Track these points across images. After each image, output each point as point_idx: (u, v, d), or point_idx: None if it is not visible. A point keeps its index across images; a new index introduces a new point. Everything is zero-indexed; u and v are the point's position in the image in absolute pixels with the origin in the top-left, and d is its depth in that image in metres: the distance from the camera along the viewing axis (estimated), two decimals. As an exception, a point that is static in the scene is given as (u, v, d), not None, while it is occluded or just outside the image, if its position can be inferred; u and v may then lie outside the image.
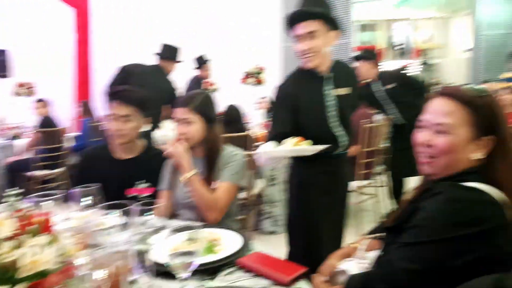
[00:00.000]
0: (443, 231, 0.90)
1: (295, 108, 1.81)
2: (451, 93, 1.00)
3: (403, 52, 9.33)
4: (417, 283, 0.92)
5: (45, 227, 0.78)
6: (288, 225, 1.99)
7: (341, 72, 1.89)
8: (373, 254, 1.23)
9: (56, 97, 5.03)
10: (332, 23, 1.77)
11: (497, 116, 0.98)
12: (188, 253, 0.94)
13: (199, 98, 1.67)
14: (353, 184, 3.23)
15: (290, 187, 1.97)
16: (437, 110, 1.00)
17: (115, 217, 1.04)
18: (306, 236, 1.86)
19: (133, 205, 1.04)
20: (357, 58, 3.70)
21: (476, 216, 0.89)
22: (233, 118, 3.27)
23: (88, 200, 1.14)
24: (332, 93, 1.83)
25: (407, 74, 3.85)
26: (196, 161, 1.67)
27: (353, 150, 2.76)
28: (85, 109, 4.95)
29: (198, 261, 0.96)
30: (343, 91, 1.86)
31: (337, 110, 1.83)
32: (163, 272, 1.04)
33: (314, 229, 1.85)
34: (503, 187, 0.93)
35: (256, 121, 4.59)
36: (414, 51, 7.70)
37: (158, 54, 3.56)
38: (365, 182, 3.47)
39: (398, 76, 3.60)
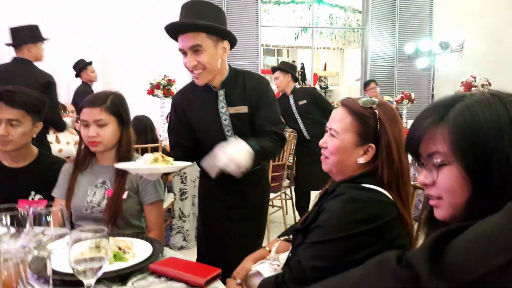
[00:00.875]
0: (344, 229, 0.97)
1: (187, 123, 1.67)
2: (345, 103, 1.12)
3: (304, 77, 10.05)
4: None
5: None
6: (196, 237, 1.93)
7: (238, 87, 1.63)
8: (284, 256, 1.29)
9: None
10: (220, 33, 1.52)
11: (380, 126, 1.06)
12: (95, 259, 0.86)
13: (112, 98, 1.52)
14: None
15: (198, 199, 1.90)
16: (333, 117, 1.13)
17: (3, 226, 0.91)
18: (211, 249, 1.77)
19: (26, 213, 0.93)
20: (274, 69, 3.82)
21: (372, 213, 0.98)
22: (142, 129, 3.14)
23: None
24: (228, 110, 1.62)
25: (319, 93, 4.12)
26: (101, 169, 1.54)
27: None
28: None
29: (106, 267, 0.88)
30: (236, 110, 1.61)
31: (231, 130, 1.63)
32: (66, 281, 0.95)
33: (217, 241, 1.75)
34: (391, 188, 1.04)
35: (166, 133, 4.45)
36: (313, 77, 8.52)
37: (11, 44, 2.94)
38: (273, 195, 3.60)
39: (310, 94, 3.84)
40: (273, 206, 4.15)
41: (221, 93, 1.63)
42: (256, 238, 1.81)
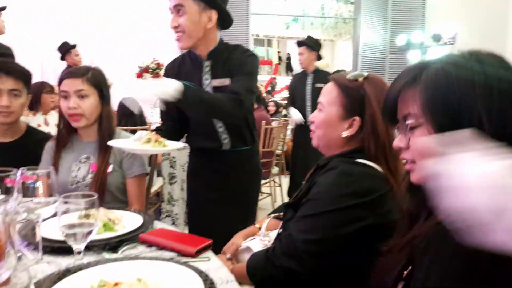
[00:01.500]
0: (336, 201, 0.97)
1: None
2: (334, 77, 1.13)
3: (290, 68, 10.00)
4: (316, 253, 0.97)
5: None
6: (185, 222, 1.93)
7: (224, 59, 1.60)
8: (275, 233, 1.27)
9: None
10: (208, 1, 1.50)
11: (365, 99, 1.05)
12: (84, 224, 0.85)
13: (92, 71, 1.51)
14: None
15: (186, 177, 1.88)
16: (322, 91, 1.14)
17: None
18: (196, 232, 1.75)
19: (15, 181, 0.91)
20: (300, 44, 3.62)
21: (365, 187, 0.98)
22: (129, 112, 3.10)
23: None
24: (211, 83, 1.60)
25: None
26: (84, 145, 1.53)
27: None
28: None
29: (95, 233, 0.88)
30: (219, 82, 1.59)
31: None
32: (56, 248, 0.95)
33: (201, 224, 1.72)
34: (380, 162, 1.04)
35: (156, 116, 4.40)
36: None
37: None
38: (262, 181, 3.61)
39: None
40: (261, 193, 4.16)
41: (207, 64, 1.61)
42: (242, 224, 1.65)
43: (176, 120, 1.69)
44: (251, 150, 1.77)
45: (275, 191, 4.07)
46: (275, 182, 4.15)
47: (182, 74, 1.63)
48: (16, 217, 0.83)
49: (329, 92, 1.11)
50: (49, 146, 1.56)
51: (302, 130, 3.64)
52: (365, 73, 1.09)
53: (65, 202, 0.83)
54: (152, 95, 1.34)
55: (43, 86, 3.25)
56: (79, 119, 1.47)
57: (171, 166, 3.13)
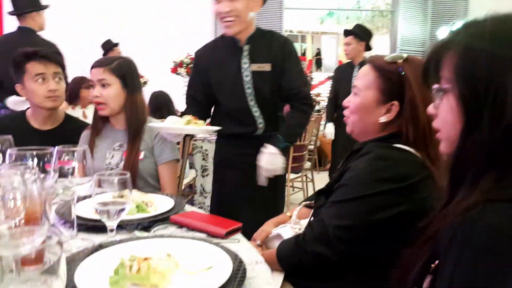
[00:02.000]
0: (370, 186, 0.93)
1: (206, 78, 1.66)
2: (371, 59, 1.07)
3: (320, 64, 9.81)
4: (347, 239, 0.94)
5: None
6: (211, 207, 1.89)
7: (263, 44, 1.63)
8: (306, 221, 1.23)
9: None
10: None
11: (404, 83, 0.99)
12: (117, 203, 0.87)
13: (118, 60, 1.56)
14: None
15: (213, 167, 1.90)
16: (358, 74, 1.09)
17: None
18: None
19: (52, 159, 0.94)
20: (347, 33, 3.38)
21: (400, 172, 0.93)
22: (158, 105, 3.17)
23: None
24: (250, 67, 1.62)
25: None
26: (117, 133, 1.58)
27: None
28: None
29: (127, 213, 0.89)
30: (258, 67, 1.62)
31: (252, 88, 1.63)
32: (90, 226, 0.98)
33: (230, 210, 1.67)
34: (418, 148, 0.99)
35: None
36: (338, 64, 8.36)
37: (14, 12, 2.85)
38: (294, 176, 3.58)
39: None
40: (293, 187, 4.13)
41: (246, 48, 1.63)
42: (271, 211, 1.68)
43: (202, 105, 1.71)
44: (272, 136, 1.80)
45: (307, 186, 4.03)
46: (307, 177, 4.10)
47: (218, 58, 1.66)
48: (53, 193, 0.86)
49: (365, 75, 1.05)
50: (85, 134, 1.62)
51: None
52: (405, 55, 1.04)
53: (99, 180, 0.84)
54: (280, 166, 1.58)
55: (83, 81, 3.37)
56: (103, 108, 1.52)
57: (203, 159, 3.16)
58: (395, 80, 1.01)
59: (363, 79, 1.05)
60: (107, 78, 1.50)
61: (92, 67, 1.54)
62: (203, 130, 1.44)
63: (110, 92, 1.51)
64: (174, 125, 1.38)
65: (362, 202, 0.93)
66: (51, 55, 1.61)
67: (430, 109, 0.67)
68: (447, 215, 0.58)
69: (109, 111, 1.53)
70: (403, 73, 1.00)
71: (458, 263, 0.51)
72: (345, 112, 1.10)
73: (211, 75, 1.66)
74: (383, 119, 1.02)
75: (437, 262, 0.59)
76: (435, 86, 0.63)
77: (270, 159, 1.54)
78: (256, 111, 1.67)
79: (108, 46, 4.49)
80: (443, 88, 0.62)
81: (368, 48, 3.48)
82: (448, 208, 0.60)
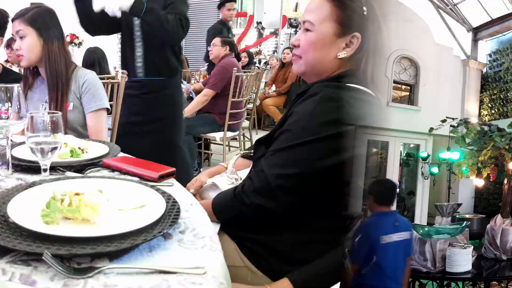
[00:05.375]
0: (316, 130, 0.85)
1: None
2: None
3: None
4: (292, 189, 0.88)
5: None
6: None
7: None
8: (245, 173, 1.16)
9: None
10: None
11: (368, 11, 0.90)
12: (51, 142, 0.89)
13: (37, 10, 1.52)
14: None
15: None
16: (307, 8, 0.97)
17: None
18: None
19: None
20: None
21: (351, 113, 0.84)
22: (91, 61, 3.08)
23: None
24: None
25: None
26: (43, 84, 1.56)
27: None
28: None
29: (60, 150, 0.92)
30: None
31: None
32: (25, 167, 1.01)
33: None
34: (374, 87, 0.92)
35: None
36: (282, 19, 8.24)
37: None
38: (230, 134, 3.51)
39: None
40: (229, 147, 4.05)
41: None
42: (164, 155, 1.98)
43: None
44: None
45: (244, 145, 4.02)
46: (245, 136, 4.12)
47: None
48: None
49: (319, 7, 0.93)
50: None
51: None
52: None
53: (32, 117, 0.86)
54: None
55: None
56: (21, 59, 1.50)
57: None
58: (357, 8, 0.91)
59: (317, 12, 0.93)
60: (22, 29, 1.48)
61: (12, 20, 1.51)
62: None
63: (25, 43, 1.49)
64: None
65: (307, 148, 0.86)
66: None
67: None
68: None
69: (27, 62, 1.51)
70: None
71: None
72: (295, 51, 0.99)
73: None
74: (342, 54, 0.92)
75: None
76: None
77: None
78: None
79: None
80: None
81: None
82: None
